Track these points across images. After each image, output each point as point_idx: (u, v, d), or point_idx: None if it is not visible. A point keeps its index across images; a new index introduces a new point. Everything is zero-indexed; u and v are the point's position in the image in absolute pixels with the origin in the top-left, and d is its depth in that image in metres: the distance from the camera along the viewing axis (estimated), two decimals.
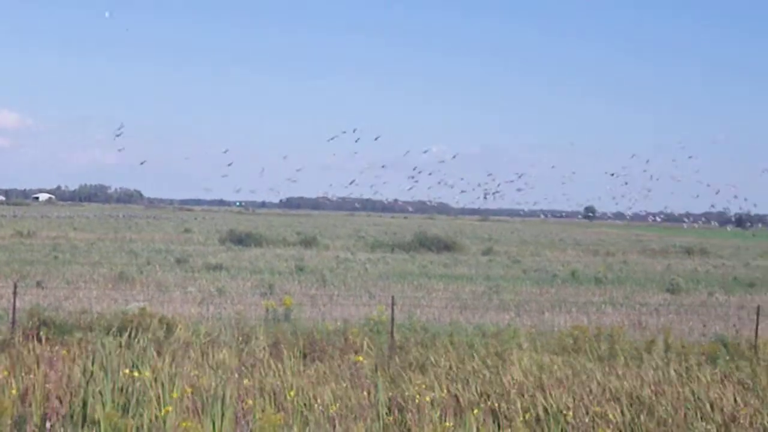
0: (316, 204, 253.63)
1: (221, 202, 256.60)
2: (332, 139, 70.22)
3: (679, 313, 33.13)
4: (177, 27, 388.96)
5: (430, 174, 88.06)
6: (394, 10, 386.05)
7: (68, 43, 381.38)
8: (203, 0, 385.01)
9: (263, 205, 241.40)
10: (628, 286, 44.09)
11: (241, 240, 71.77)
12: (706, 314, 32.45)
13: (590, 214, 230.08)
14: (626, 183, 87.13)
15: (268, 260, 54.11)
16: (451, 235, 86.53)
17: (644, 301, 37.44)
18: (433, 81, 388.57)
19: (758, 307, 25.67)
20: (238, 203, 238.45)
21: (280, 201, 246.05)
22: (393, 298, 24.28)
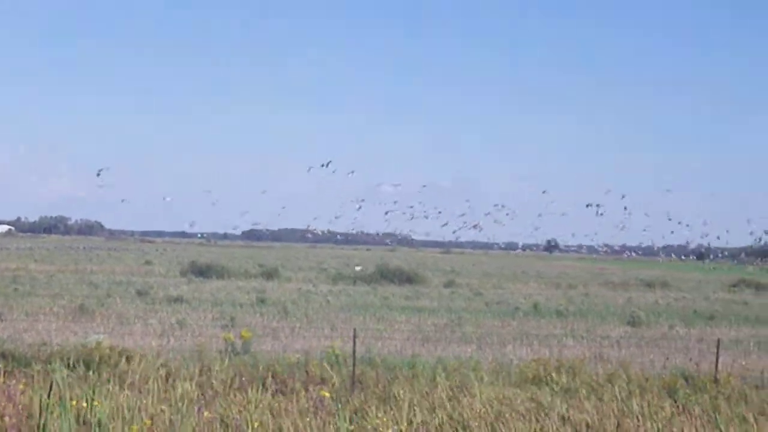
0: (278, 236, 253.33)
1: (183, 234, 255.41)
2: (310, 170, 69.39)
3: (640, 345, 33.25)
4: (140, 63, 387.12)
5: (411, 207, 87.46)
6: (363, 36, 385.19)
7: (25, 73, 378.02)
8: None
9: (225, 236, 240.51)
10: (589, 319, 44.22)
11: (202, 272, 71.39)
12: (666, 347, 32.59)
13: (552, 247, 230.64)
14: (601, 214, 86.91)
15: (230, 292, 53.85)
16: (414, 267, 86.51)
17: (605, 333, 37.55)
18: (400, 109, 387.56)
19: (718, 340, 25.83)
20: (199, 235, 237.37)
21: (242, 233, 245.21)
22: (355, 330, 24.21)
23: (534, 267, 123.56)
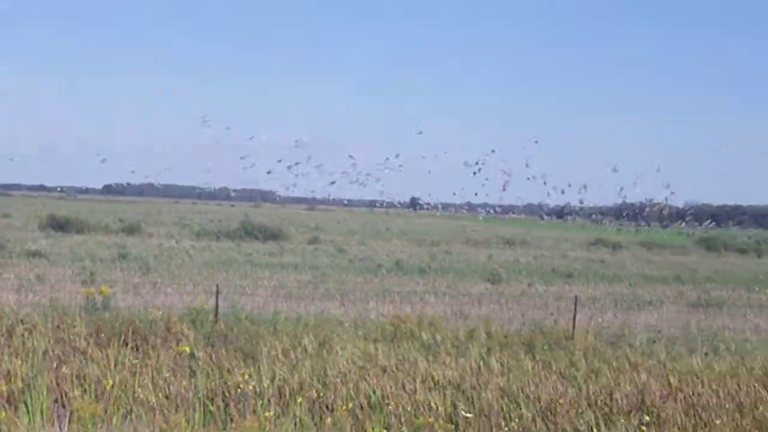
0: (140, 190, 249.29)
1: (41, 188, 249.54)
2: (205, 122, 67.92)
3: (500, 302, 33.80)
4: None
5: (297, 164, 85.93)
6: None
7: None
8: None
9: (85, 191, 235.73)
10: (451, 276, 44.74)
11: (61, 226, 69.89)
12: (525, 304, 33.20)
13: (416, 204, 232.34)
14: (477, 173, 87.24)
15: (90, 247, 52.85)
16: (278, 223, 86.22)
17: (466, 291, 38.04)
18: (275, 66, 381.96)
19: (575, 297, 26.46)
20: (59, 188, 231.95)
21: (104, 187, 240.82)
22: (217, 286, 24.04)
23: (398, 224, 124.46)
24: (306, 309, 28.57)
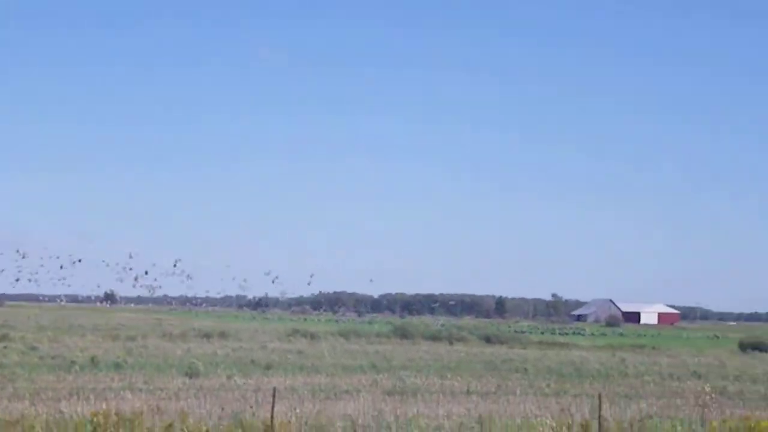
0: None
1: None
2: None
3: (198, 396, 33.41)
4: None
5: None
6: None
7: None
8: None
9: None
10: (147, 371, 43.90)
11: None
12: (224, 397, 32.99)
13: (110, 298, 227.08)
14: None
15: None
16: None
17: (164, 385, 37.41)
18: None
19: (274, 389, 26.56)
20: None
21: None
22: None
23: (91, 319, 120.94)
24: None
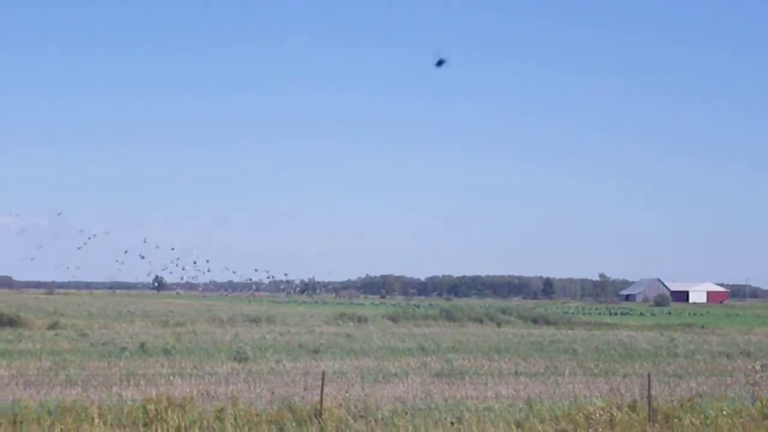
0: None
1: None
2: None
3: (248, 381, 33.62)
4: None
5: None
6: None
7: None
8: None
9: None
10: (196, 356, 44.18)
11: None
12: (273, 381, 33.15)
13: (158, 284, 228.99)
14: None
15: None
16: (14, 309, 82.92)
17: (213, 370, 37.66)
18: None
19: (323, 372, 26.65)
20: None
21: None
22: None
23: (140, 306, 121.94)
24: (46, 396, 27.57)
